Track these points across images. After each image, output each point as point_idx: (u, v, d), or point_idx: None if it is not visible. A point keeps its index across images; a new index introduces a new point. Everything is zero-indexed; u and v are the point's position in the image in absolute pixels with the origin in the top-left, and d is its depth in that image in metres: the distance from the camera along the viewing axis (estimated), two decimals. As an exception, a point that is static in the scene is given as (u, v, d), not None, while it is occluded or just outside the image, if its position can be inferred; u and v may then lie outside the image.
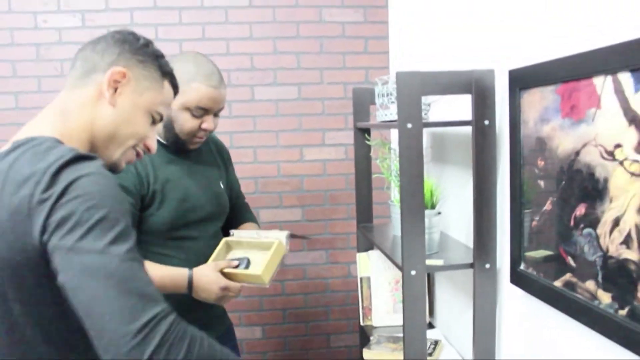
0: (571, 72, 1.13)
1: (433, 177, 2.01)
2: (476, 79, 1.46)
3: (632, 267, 0.99)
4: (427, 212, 1.59)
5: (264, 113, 2.61)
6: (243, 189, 2.09)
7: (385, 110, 1.77)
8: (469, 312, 1.77)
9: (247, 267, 1.61)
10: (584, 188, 1.12)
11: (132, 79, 1.08)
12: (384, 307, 2.11)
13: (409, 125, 1.46)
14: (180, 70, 1.53)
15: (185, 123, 1.59)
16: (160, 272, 1.52)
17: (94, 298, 0.83)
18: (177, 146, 1.65)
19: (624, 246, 1.01)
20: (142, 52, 1.11)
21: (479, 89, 1.47)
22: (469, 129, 1.69)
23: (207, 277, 1.56)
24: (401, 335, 1.93)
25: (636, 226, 0.98)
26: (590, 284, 1.11)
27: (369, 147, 2.12)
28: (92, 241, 0.85)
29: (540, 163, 1.27)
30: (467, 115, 1.63)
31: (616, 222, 1.03)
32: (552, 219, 1.23)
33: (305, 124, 2.62)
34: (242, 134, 2.60)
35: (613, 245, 1.04)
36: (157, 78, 1.12)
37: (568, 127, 1.16)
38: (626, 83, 0.98)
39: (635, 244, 0.98)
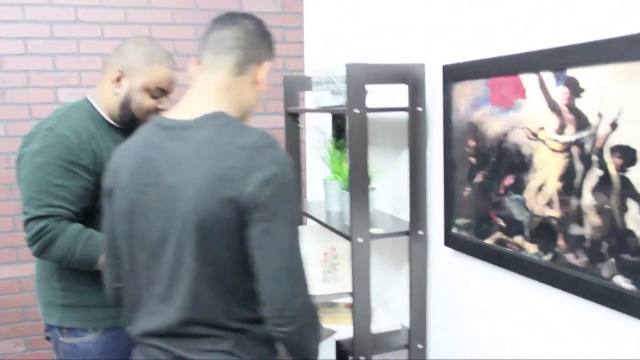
0: (501, 70, 1.40)
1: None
2: (411, 72, 1.70)
3: (554, 222, 1.28)
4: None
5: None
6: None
7: (323, 96, 1.95)
8: (401, 279, 2.03)
9: None
10: (511, 162, 1.40)
11: None
12: (314, 279, 2.31)
13: (357, 111, 1.66)
14: (139, 53, 1.63)
15: (144, 103, 1.65)
16: None
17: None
18: (128, 125, 1.69)
19: (547, 207, 1.30)
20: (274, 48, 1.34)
21: (413, 80, 1.71)
22: (396, 115, 1.94)
23: None
24: (336, 301, 2.14)
25: (557, 190, 1.26)
26: (518, 239, 1.39)
27: (298, 130, 2.29)
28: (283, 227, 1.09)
29: (472, 143, 1.54)
30: (397, 102, 1.87)
31: (540, 188, 1.31)
32: (483, 189, 1.51)
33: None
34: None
35: (538, 206, 1.32)
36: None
37: (497, 114, 1.43)
38: (549, 80, 1.26)
39: (556, 204, 1.27)
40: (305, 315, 1.11)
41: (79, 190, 1.54)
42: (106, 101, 1.66)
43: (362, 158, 1.68)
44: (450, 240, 1.66)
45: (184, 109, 1.20)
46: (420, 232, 1.77)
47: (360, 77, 1.65)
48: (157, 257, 1.16)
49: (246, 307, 1.15)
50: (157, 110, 1.69)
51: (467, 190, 1.58)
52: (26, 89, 2.48)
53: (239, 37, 1.21)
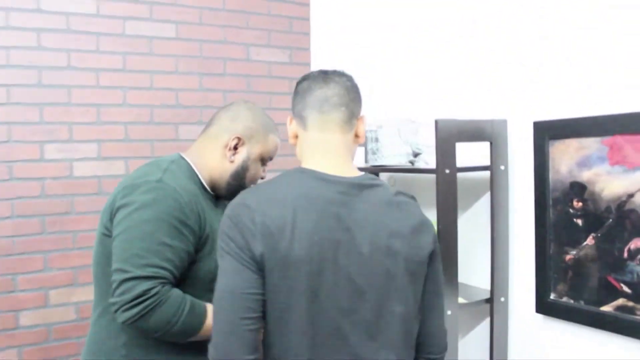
0: (625, 128, 1.34)
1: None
2: (496, 128, 1.62)
3: None
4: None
5: (189, 153, 2.45)
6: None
7: (376, 155, 1.83)
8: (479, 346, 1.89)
9: None
10: (636, 225, 1.33)
11: None
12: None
13: (447, 171, 1.55)
14: (257, 121, 1.54)
15: (257, 172, 1.58)
16: None
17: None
18: (227, 197, 1.56)
19: (696, 272, 1.23)
20: None
21: (496, 137, 1.63)
22: (473, 174, 1.84)
23: None
24: None
25: None
26: (653, 306, 1.32)
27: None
28: None
29: (578, 204, 1.47)
30: (471, 161, 1.78)
31: (684, 253, 1.25)
32: (596, 252, 1.42)
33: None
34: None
35: (682, 272, 1.26)
36: None
37: (619, 174, 1.37)
38: (697, 140, 1.22)
39: None
40: None
41: (183, 253, 1.36)
42: (212, 166, 1.52)
43: (451, 222, 1.56)
44: (546, 307, 1.56)
45: (330, 165, 1.17)
46: (502, 299, 1.66)
47: (451, 134, 1.55)
48: (355, 307, 1.11)
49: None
50: (259, 179, 1.60)
51: (571, 255, 1.49)
52: (7, 143, 2.15)
53: (341, 94, 1.21)
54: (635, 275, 1.35)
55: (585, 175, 1.46)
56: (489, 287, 1.73)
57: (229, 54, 2.52)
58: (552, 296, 1.55)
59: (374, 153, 1.87)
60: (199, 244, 1.41)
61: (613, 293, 1.40)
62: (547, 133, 1.54)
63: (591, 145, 1.43)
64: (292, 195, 1.11)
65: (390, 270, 1.13)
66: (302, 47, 2.67)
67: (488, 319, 1.78)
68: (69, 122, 2.24)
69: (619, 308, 1.39)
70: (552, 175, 1.53)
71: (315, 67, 2.66)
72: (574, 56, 1.50)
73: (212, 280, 1.42)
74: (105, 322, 1.43)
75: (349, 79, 1.24)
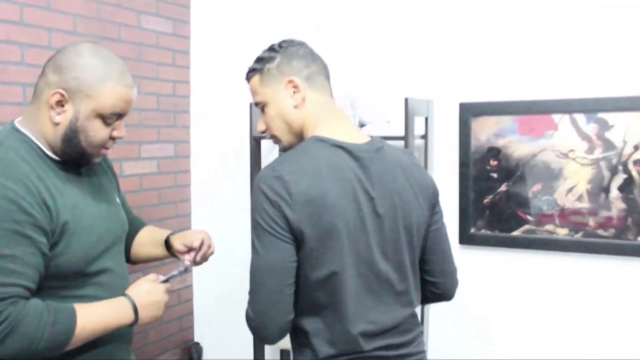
0: (531, 109, 2.02)
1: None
2: (429, 106, 2.14)
3: (584, 211, 1.97)
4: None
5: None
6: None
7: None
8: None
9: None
10: (539, 175, 2.03)
11: None
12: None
13: (409, 139, 2.01)
14: (85, 69, 1.28)
15: (97, 133, 1.32)
16: (98, 310, 1.31)
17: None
18: (76, 162, 1.36)
19: (577, 201, 1.98)
20: None
21: (430, 113, 2.15)
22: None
23: (146, 291, 1.40)
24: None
25: (586, 190, 1.96)
26: (549, 227, 2.03)
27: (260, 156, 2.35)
28: None
29: (494, 163, 2.10)
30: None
31: (570, 190, 1.99)
32: (508, 195, 2.08)
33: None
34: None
35: (569, 202, 2.00)
36: None
37: (526, 141, 2.04)
38: (581, 118, 1.96)
39: (586, 199, 1.97)
40: None
41: (33, 258, 1.20)
42: (43, 130, 1.30)
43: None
44: (467, 239, 2.16)
45: (342, 132, 1.31)
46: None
47: (412, 110, 2.00)
48: (389, 260, 1.30)
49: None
50: (111, 140, 1.37)
51: (487, 199, 2.12)
52: None
53: (320, 62, 1.38)
54: (536, 208, 2.05)
55: (500, 142, 2.10)
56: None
57: (124, 19, 2.42)
58: (472, 230, 2.16)
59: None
60: (54, 238, 1.26)
61: (521, 222, 2.08)
62: (470, 112, 2.13)
63: (506, 121, 2.08)
64: (319, 165, 1.22)
65: (406, 224, 1.30)
66: (183, 19, 2.72)
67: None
68: (-42, 78, 1.90)
69: (525, 231, 2.07)
70: (473, 142, 2.13)
71: (195, 40, 2.74)
72: (492, 51, 2.11)
73: (85, 266, 1.34)
74: None
75: None
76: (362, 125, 2.17)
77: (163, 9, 2.60)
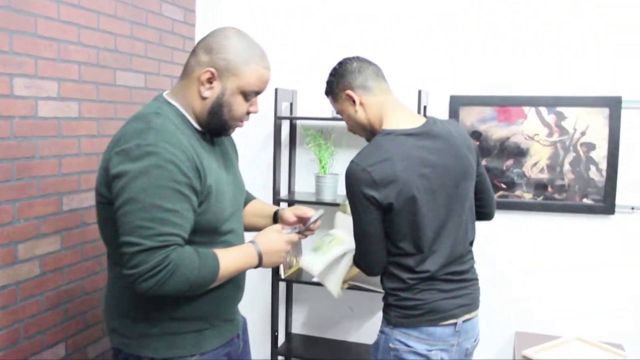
0: (507, 102, 2.61)
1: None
2: (426, 98, 2.64)
3: (544, 180, 2.61)
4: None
5: (124, 99, 2.48)
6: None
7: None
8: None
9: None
10: (511, 153, 2.63)
11: None
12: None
13: (423, 122, 2.50)
14: (233, 51, 1.46)
15: (239, 107, 1.51)
16: (232, 255, 1.51)
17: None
18: (216, 132, 1.56)
19: (540, 173, 2.61)
20: None
21: (428, 104, 2.65)
22: None
23: (270, 239, 1.58)
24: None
25: (546, 165, 2.60)
26: (519, 192, 2.64)
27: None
28: None
29: (476, 142, 2.66)
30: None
31: (534, 164, 2.61)
32: (487, 169, 2.66)
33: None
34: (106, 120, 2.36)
35: (533, 173, 2.62)
36: None
37: (502, 126, 2.63)
38: (544, 111, 2.58)
39: (546, 171, 2.61)
40: None
41: (189, 213, 1.39)
42: (193, 104, 1.49)
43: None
44: (453, 203, 2.70)
45: (403, 121, 1.72)
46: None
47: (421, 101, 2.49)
48: (455, 210, 1.74)
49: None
50: (247, 115, 1.56)
51: (470, 171, 2.68)
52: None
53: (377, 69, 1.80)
54: (509, 179, 2.65)
55: (482, 127, 2.66)
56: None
57: (150, 6, 2.61)
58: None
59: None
60: (200, 198, 1.44)
61: (497, 189, 2.67)
62: (459, 102, 2.66)
63: (487, 110, 2.65)
64: (392, 153, 1.63)
65: (463, 175, 1.74)
66: (191, 8, 2.93)
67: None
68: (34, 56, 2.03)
69: (500, 196, 2.67)
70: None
71: (200, 28, 2.97)
72: (479, 55, 2.66)
73: (217, 228, 1.52)
74: (119, 274, 1.44)
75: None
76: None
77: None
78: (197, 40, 2.98)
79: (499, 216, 2.66)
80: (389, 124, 1.72)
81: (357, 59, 1.77)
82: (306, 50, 2.85)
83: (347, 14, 2.80)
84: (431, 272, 1.69)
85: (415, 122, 1.73)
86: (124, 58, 2.45)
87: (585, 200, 2.59)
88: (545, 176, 2.62)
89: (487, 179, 1.91)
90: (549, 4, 2.57)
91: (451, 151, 1.72)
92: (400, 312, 1.70)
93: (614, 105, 2.52)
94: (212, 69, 1.44)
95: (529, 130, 2.62)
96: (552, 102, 2.58)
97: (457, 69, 2.69)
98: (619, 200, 2.55)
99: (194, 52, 1.50)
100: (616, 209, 2.55)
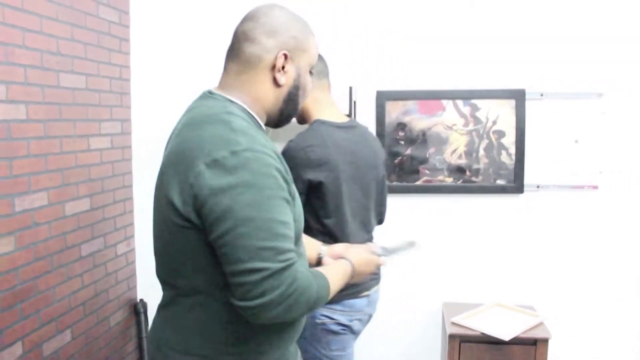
0: (428, 96, 2.89)
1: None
2: (355, 92, 2.88)
3: (463, 165, 2.92)
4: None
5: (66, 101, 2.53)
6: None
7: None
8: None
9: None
10: (433, 142, 2.92)
11: None
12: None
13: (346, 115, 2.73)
14: (295, 25, 1.32)
15: (309, 85, 1.38)
16: (333, 272, 1.40)
17: None
18: (280, 123, 1.40)
19: (458, 159, 2.92)
20: None
21: (358, 98, 2.89)
22: None
23: (365, 260, 1.54)
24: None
25: (464, 151, 2.91)
26: (440, 177, 2.94)
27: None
28: None
29: (401, 133, 2.93)
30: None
31: (454, 151, 2.92)
32: (412, 157, 2.93)
33: (91, 114, 2.71)
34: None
35: (453, 159, 2.93)
36: None
37: (424, 118, 2.91)
38: (460, 103, 2.89)
39: (464, 157, 2.92)
40: None
41: (292, 222, 1.21)
42: (264, 98, 1.31)
43: (356, 144, 2.76)
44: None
45: (334, 115, 2.06)
46: (355, 190, 2.96)
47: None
48: (368, 198, 2.13)
49: None
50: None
51: (397, 159, 2.95)
52: None
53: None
54: (432, 165, 2.94)
55: (406, 119, 2.93)
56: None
57: (88, 8, 2.66)
58: (387, 182, 2.96)
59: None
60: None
61: (421, 175, 2.95)
62: (384, 97, 2.92)
63: (410, 104, 2.92)
64: (325, 139, 1.94)
65: (379, 175, 2.17)
66: (125, 10, 2.99)
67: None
68: (-19, 61, 2.06)
69: (424, 181, 2.95)
70: (387, 119, 2.93)
71: (135, 30, 3.03)
72: (400, 53, 2.92)
73: (298, 237, 1.32)
74: (200, 308, 1.25)
75: None
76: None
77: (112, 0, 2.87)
78: (133, 41, 3.05)
79: (426, 199, 2.95)
80: (322, 116, 2.00)
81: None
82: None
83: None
84: None
85: (342, 118, 2.09)
86: (66, 60, 2.50)
87: (498, 182, 2.93)
88: (463, 161, 2.93)
89: (386, 187, 2.29)
90: (463, 6, 2.88)
91: (370, 150, 2.08)
92: None
93: (519, 97, 2.86)
94: (285, 51, 1.28)
95: (448, 120, 2.92)
96: (467, 95, 2.89)
97: (383, 66, 2.95)
98: (527, 180, 2.91)
99: (251, 40, 1.29)
100: (525, 188, 2.91)
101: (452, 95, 2.90)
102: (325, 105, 2.07)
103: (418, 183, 2.97)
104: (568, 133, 2.87)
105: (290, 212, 1.20)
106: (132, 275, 3.13)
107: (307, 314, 1.28)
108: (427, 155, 2.95)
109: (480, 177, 2.93)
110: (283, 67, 1.29)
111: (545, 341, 2.54)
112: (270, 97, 1.31)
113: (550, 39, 2.85)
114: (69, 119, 2.50)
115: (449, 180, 2.95)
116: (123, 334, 3.02)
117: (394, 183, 2.97)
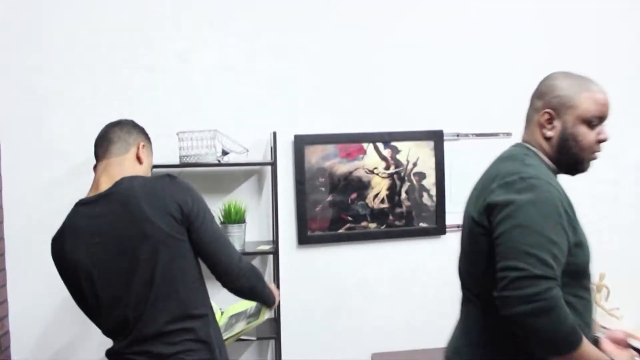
0: (348, 139, 2.76)
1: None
2: (274, 139, 2.68)
3: (385, 210, 2.82)
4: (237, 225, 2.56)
5: None
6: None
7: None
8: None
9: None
10: (355, 187, 2.79)
11: None
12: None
13: (274, 163, 2.53)
14: (561, 86, 1.54)
15: (585, 137, 1.52)
16: (596, 350, 1.38)
17: None
18: (573, 169, 1.58)
19: (381, 203, 2.82)
20: None
21: (274, 143, 2.69)
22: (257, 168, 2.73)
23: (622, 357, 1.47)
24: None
25: (386, 195, 2.82)
26: (364, 223, 2.81)
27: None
28: None
29: (322, 179, 2.77)
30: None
31: (376, 196, 2.81)
32: (334, 203, 2.78)
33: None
34: None
35: (375, 204, 2.82)
36: None
37: (345, 162, 2.78)
38: (380, 146, 2.79)
39: (386, 201, 2.82)
40: None
41: (565, 250, 1.37)
42: (541, 146, 1.57)
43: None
44: (304, 240, 2.77)
45: (96, 186, 1.68)
46: (274, 241, 2.75)
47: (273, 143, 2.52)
48: (139, 278, 1.65)
49: None
50: (599, 143, 1.54)
51: (319, 207, 2.78)
52: None
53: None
54: (354, 211, 2.80)
55: (326, 164, 2.77)
56: (272, 237, 2.76)
57: None
58: (309, 233, 2.78)
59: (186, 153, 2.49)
60: (571, 238, 1.42)
61: (343, 222, 2.80)
62: (303, 141, 2.74)
63: (330, 148, 2.77)
64: (65, 227, 1.66)
65: (144, 246, 1.58)
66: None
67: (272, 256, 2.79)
68: None
69: (347, 229, 2.81)
70: (306, 165, 2.76)
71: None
72: (319, 98, 2.77)
73: (586, 270, 1.48)
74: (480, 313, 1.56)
75: None
76: (225, 153, 2.56)
77: None
78: None
79: (349, 247, 2.80)
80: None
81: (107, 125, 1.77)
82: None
83: (202, 64, 2.71)
84: (115, 350, 1.64)
85: (106, 185, 1.64)
86: None
87: (421, 224, 2.86)
88: (386, 205, 2.83)
89: (210, 242, 1.65)
90: (378, 52, 2.80)
91: (127, 215, 1.57)
92: None
93: (437, 138, 2.83)
94: (549, 110, 1.54)
95: (369, 164, 2.81)
96: (387, 138, 2.80)
97: (301, 111, 2.78)
98: (448, 220, 2.87)
99: (530, 103, 1.62)
100: (447, 230, 2.87)
101: (373, 137, 2.80)
102: (98, 175, 1.70)
103: (341, 231, 2.82)
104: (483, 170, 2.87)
105: (563, 238, 1.36)
106: (5, 334, 2.66)
107: (552, 352, 1.31)
108: (350, 202, 2.82)
109: (403, 221, 2.85)
110: (550, 122, 1.54)
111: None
112: (545, 148, 1.56)
113: (464, 83, 2.85)
114: None
115: (373, 226, 2.84)
116: None
117: (316, 233, 2.79)
